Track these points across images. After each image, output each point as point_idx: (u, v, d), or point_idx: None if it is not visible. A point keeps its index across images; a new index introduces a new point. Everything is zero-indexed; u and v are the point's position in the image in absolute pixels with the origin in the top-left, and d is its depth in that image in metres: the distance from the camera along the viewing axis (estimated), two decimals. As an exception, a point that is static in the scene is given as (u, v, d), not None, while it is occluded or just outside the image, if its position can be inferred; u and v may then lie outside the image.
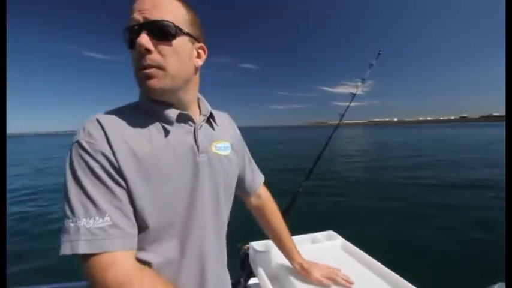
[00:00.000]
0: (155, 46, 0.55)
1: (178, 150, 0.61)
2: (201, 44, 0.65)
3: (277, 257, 1.07)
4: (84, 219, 0.48)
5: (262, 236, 1.22)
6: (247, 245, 1.27)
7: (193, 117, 0.66)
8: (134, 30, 0.55)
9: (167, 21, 0.55)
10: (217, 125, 0.74)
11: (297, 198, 1.61)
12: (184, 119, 0.64)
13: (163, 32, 0.55)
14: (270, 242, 1.20)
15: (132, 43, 0.56)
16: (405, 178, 8.80)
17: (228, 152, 0.73)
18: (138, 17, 0.55)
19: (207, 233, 0.65)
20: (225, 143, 0.73)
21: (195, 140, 0.64)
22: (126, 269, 0.49)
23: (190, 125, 0.65)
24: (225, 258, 0.76)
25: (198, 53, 0.64)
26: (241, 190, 0.90)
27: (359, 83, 1.96)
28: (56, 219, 5.45)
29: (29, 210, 6.20)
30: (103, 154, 0.52)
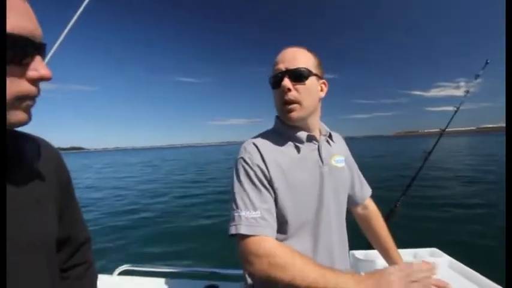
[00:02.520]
0: (294, 86, 0.76)
1: (308, 163, 0.80)
2: (324, 80, 0.84)
3: (381, 267, 1.12)
4: (244, 211, 0.70)
5: (359, 246, 1.29)
6: None
7: (317, 137, 0.84)
8: (279, 76, 0.77)
9: (302, 68, 0.76)
10: (334, 142, 0.91)
11: (394, 214, 1.60)
12: (310, 138, 0.83)
13: (299, 76, 0.76)
14: (370, 252, 1.26)
15: (276, 85, 0.78)
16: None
17: (343, 164, 0.89)
18: (281, 67, 0.77)
19: (333, 230, 0.81)
20: (340, 157, 0.89)
21: (320, 155, 0.82)
22: (272, 245, 0.67)
23: (315, 143, 0.84)
24: (348, 252, 0.90)
25: (321, 87, 0.84)
26: (350, 200, 1.00)
27: (462, 83, 1.79)
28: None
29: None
30: (259, 166, 0.75)
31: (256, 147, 0.78)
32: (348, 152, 0.98)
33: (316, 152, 0.83)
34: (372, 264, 1.16)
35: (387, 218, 1.54)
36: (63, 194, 0.60)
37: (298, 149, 0.81)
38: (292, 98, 0.76)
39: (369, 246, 1.29)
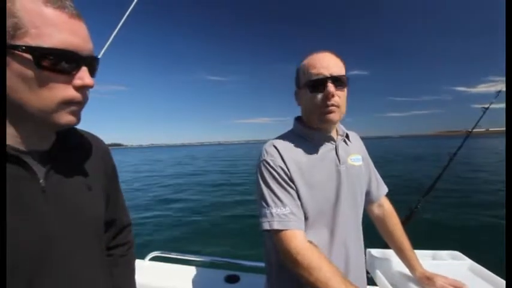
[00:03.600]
0: (336, 92, 0.80)
1: (326, 162, 0.86)
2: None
3: (397, 266, 1.13)
4: (275, 209, 0.77)
5: (376, 244, 1.30)
6: None
7: (334, 138, 0.89)
8: (323, 80, 0.80)
9: (344, 75, 0.82)
10: (350, 141, 0.95)
11: (414, 214, 1.58)
12: (328, 139, 0.88)
13: (342, 83, 0.82)
14: (387, 251, 1.27)
15: (319, 88, 0.81)
16: None
17: (360, 162, 0.93)
18: (325, 72, 0.80)
19: (348, 225, 0.86)
20: (357, 155, 0.93)
21: (337, 155, 0.87)
22: (303, 243, 0.75)
23: (332, 144, 0.89)
24: (363, 248, 0.95)
25: None
26: (366, 198, 1.02)
27: None
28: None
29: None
30: (280, 167, 0.81)
31: (277, 149, 0.84)
32: (365, 151, 1.02)
33: (334, 152, 0.88)
34: (388, 263, 1.18)
35: (407, 219, 1.53)
36: (109, 182, 0.69)
37: (316, 149, 0.87)
38: (334, 102, 0.80)
39: (387, 245, 1.31)
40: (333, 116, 0.81)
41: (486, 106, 1.77)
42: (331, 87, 0.79)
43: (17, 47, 0.42)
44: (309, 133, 0.88)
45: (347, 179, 0.87)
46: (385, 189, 1.07)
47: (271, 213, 0.77)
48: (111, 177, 0.71)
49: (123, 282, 0.75)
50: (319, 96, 0.81)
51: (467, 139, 1.75)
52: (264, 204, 0.80)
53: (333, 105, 0.80)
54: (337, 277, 0.68)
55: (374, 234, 1.15)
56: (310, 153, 0.86)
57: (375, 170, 1.06)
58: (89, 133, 0.68)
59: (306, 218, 0.81)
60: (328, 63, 0.81)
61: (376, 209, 1.07)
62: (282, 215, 0.76)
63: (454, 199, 7.07)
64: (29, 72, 0.43)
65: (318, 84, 0.81)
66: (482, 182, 9.76)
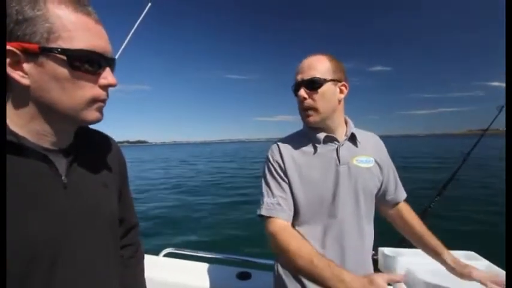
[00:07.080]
0: (309, 95, 0.85)
1: (324, 161, 0.89)
2: (343, 83, 0.89)
3: (411, 264, 1.13)
4: (265, 198, 0.88)
5: (388, 244, 1.30)
6: (373, 251, 1.35)
7: (338, 138, 0.90)
8: (297, 86, 0.88)
9: (315, 77, 0.84)
10: (360, 143, 0.93)
11: (427, 213, 1.56)
12: (329, 139, 0.90)
13: (313, 85, 0.84)
14: (400, 250, 1.26)
15: (295, 93, 0.89)
16: None
17: (370, 164, 0.91)
18: (298, 77, 0.87)
19: (347, 226, 0.87)
20: (367, 157, 0.92)
21: (337, 155, 0.89)
22: (278, 226, 0.83)
23: (335, 144, 0.90)
24: (366, 250, 0.92)
25: (340, 89, 0.89)
26: (383, 201, 1.01)
27: None
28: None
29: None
30: (277, 162, 0.91)
31: (278, 146, 0.93)
32: (383, 154, 0.98)
33: (335, 152, 0.89)
34: (401, 261, 1.17)
35: (420, 218, 1.51)
36: (121, 181, 0.71)
37: (315, 149, 0.90)
38: (307, 105, 0.86)
39: (399, 244, 1.30)
40: (310, 120, 0.87)
41: (503, 104, 1.71)
42: (301, 91, 0.86)
43: (52, 49, 0.44)
44: (311, 133, 0.93)
45: (348, 180, 0.87)
46: (403, 195, 1.03)
47: (263, 202, 0.88)
48: (123, 176, 0.73)
49: (132, 282, 0.77)
50: (298, 100, 0.90)
51: (482, 138, 1.70)
52: (261, 193, 0.91)
53: (306, 107, 0.86)
54: (304, 249, 0.74)
55: (386, 232, 1.14)
56: (310, 152, 0.91)
57: (396, 174, 1.02)
58: (101, 132, 0.70)
59: (299, 213, 0.88)
60: (300, 69, 0.87)
61: (391, 210, 1.04)
62: (270, 203, 0.86)
63: (470, 199, 6.89)
64: (64, 73, 0.46)
65: (295, 91, 0.89)
66: (500, 182, 9.47)
